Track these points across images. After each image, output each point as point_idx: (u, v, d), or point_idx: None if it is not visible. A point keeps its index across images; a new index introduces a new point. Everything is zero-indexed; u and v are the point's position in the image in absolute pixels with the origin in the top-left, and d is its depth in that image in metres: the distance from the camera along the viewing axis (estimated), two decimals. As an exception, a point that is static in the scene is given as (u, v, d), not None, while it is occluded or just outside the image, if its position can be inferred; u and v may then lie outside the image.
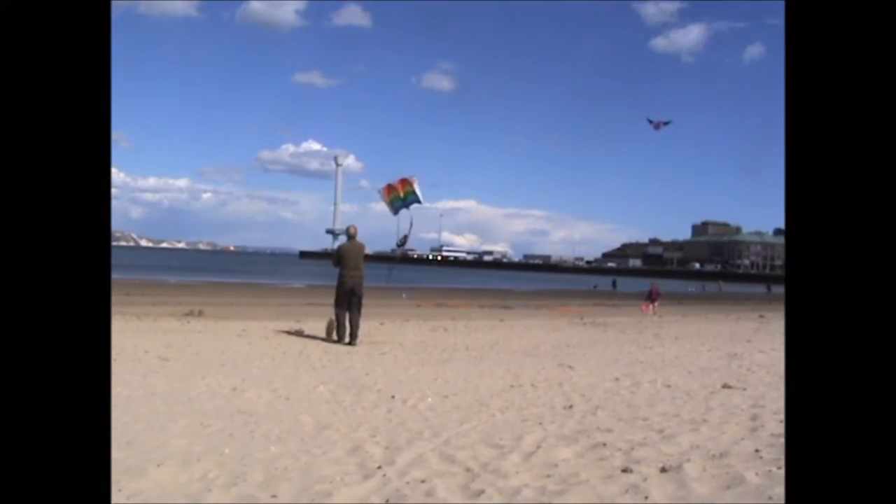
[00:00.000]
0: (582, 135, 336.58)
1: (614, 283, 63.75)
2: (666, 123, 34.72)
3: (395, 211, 14.16)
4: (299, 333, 12.65)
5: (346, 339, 11.52)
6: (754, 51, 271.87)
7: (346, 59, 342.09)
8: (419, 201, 14.11)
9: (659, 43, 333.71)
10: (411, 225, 14.41)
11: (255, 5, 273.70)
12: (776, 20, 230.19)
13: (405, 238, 15.09)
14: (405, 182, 14.13)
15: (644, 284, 23.82)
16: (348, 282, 11.68)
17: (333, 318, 11.91)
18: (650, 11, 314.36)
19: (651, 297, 21.88)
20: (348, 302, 11.67)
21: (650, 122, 34.35)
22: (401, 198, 14.02)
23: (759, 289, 72.78)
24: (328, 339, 11.85)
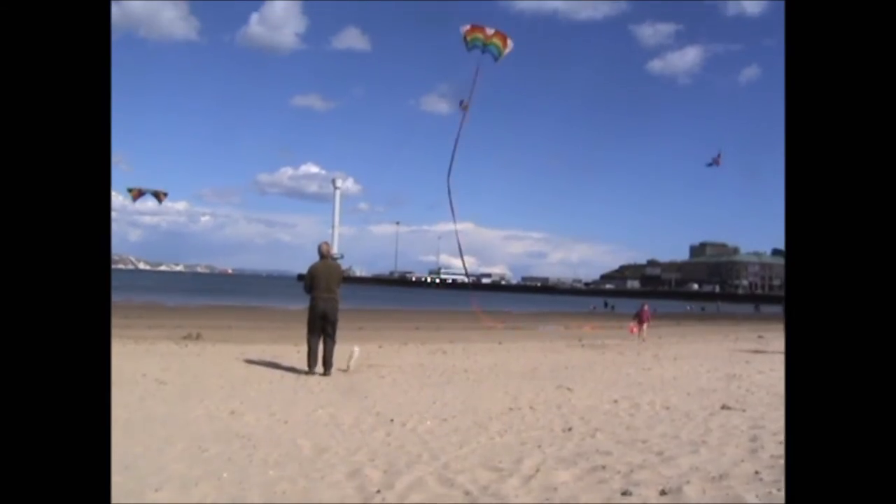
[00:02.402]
0: (580, 156, 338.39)
1: (606, 304, 63.75)
2: (719, 156, 34.99)
3: (469, 48, 13.78)
4: (297, 356, 12.58)
5: (318, 369, 10.50)
6: (750, 72, 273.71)
7: (345, 82, 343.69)
8: (495, 59, 13.75)
9: (656, 65, 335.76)
10: (475, 77, 13.99)
11: (255, 29, 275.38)
12: (772, 42, 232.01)
13: (463, 103, 14.66)
14: (498, 34, 13.77)
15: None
16: (320, 305, 10.55)
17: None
18: (647, 33, 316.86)
19: (640, 318, 21.53)
20: (321, 328, 10.63)
21: (710, 164, 34.54)
22: (482, 41, 13.64)
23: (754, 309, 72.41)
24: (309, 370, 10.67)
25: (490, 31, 13.85)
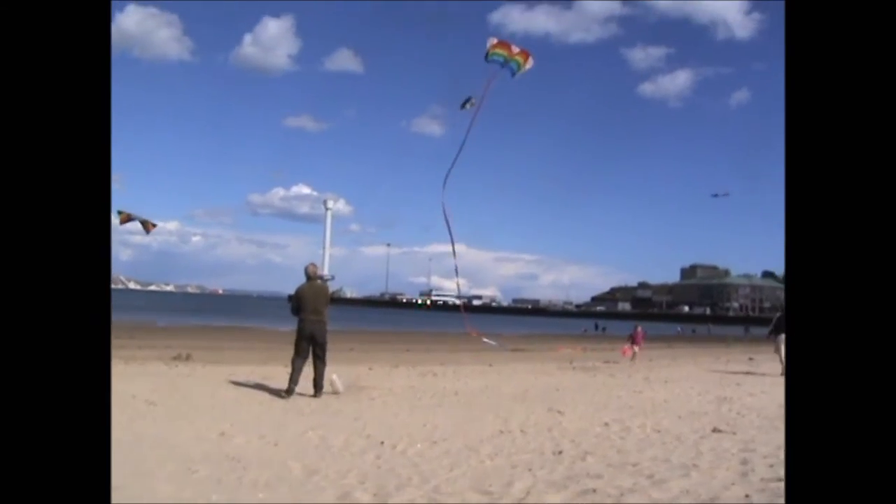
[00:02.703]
0: (571, 178, 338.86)
1: (596, 326, 63.82)
2: (726, 194, 35.70)
3: (488, 60, 13.90)
4: (288, 378, 12.50)
5: (293, 394, 10.24)
6: (741, 96, 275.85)
7: (338, 103, 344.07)
8: (513, 74, 13.87)
9: (647, 88, 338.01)
10: (487, 86, 14.06)
11: (248, 49, 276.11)
12: (762, 65, 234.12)
13: (469, 102, 14.66)
14: (524, 52, 13.91)
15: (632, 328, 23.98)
16: (307, 327, 10.45)
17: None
18: (638, 57, 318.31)
19: (633, 340, 21.60)
20: (309, 350, 10.51)
21: (715, 195, 35.14)
22: (503, 56, 13.76)
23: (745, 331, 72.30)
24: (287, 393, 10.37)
25: (515, 49, 14.06)
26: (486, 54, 14.04)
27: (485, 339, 19.30)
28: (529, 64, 14.07)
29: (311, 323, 10.47)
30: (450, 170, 15.56)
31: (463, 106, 15.06)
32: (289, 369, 10.53)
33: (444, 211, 15.02)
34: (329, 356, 10.75)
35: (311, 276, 10.76)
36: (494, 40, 14.18)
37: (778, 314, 18.30)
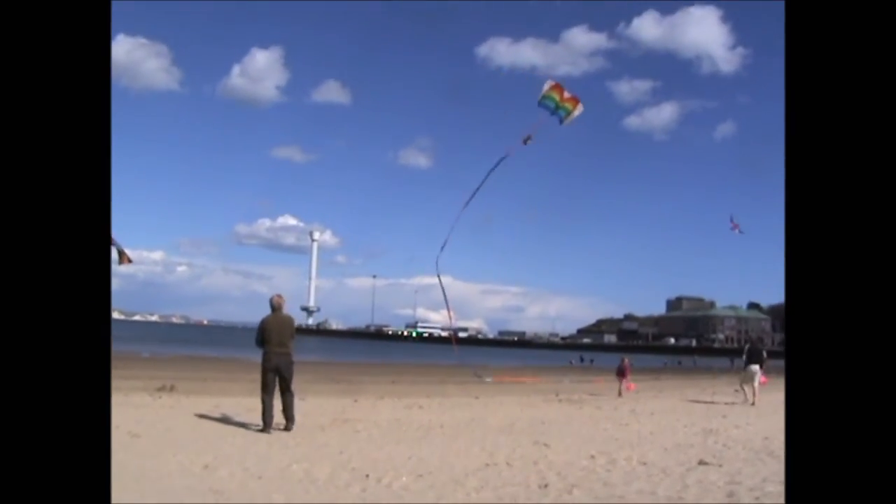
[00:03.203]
0: (557, 211, 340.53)
1: (582, 359, 63.94)
2: (741, 231, 36.02)
3: (541, 103, 14.32)
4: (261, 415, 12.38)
5: (271, 428, 9.99)
6: (725, 128, 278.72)
7: (325, 134, 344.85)
8: (561, 121, 14.29)
9: (633, 121, 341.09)
10: (535, 129, 14.53)
11: (236, 80, 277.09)
12: (746, 99, 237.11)
13: (528, 138, 15.13)
14: (573, 99, 14.27)
15: (618, 361, 23.99)
16: (273, 360, 10.18)
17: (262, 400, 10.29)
18: (623, 90, 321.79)
19: (623, 373, 21.76)
20: (276, 384, 10.23)
21: (732, 221, 35.44)
22: (555, 101, 14.13)
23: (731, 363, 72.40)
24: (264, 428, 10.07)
25: (567, 95, 14.58)
26: (541, 97, 14.60)
27: (480, 375, 19.54)
28: (578, 110, 14.67)
29: (277, 355, 10.24)
30: (451, 230, 16.26)
31: (525, 142, 15.82)
32: (273, 401, 10.29)
33: (438, 277, 15.60)
34: (314, 388, 10.62)
35: (277, 308, 10.51)
36: (551, 83, 14.73)
37: (747, 346, 19.15)
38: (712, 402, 17.96)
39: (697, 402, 18.24)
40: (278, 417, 10.15)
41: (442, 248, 18.25)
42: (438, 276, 16.18)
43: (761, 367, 17.49)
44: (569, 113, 14.65)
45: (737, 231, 35.37)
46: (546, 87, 14.69)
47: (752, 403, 16.60)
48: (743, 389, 17.69)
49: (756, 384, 17.16)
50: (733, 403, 17.37)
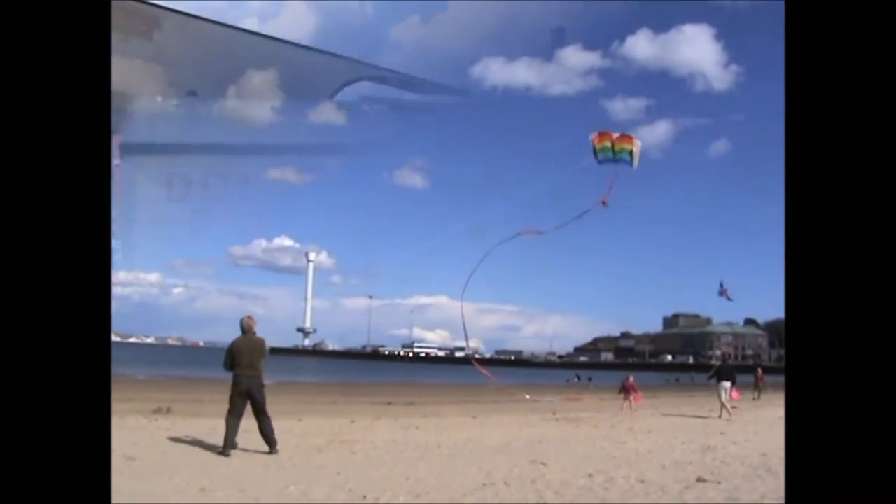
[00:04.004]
0: (552, 228, 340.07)
1: (578, 377, 63.95)
2: (729, 298, 36.36)
3: (600, 160, 14.04)
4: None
5: (230, 449, 9.74)
6: (719, 146, 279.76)
7: (321, 155, 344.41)
8: (631, 164, 14.00)
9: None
10: (613, 183, 14.32)
11: (232, 102, 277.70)
12: (739, 116, 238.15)
13: (606, 198, 14.93)
14: (624, 138, 13.99)
15: (616, 378, 23.71)
16: (243, 382, 9.90)
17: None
18: (618, 108, 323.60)
19: (626, 389, 21.75)
20: (246, 407, 9.96)
21: (721, 287, 35.70)
22: (612, 150, 13.86)
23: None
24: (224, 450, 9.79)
25: (616, 135, 14.39)
26: (595, 153, 14.37)
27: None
28: (637, 146, 14.42)
29: (247, 378, 9.98)
30: (469, 277, 16.36)
31: (604, 203, 15.71)
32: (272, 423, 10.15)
33: (461, 313, 15.73)
34: (315, 408, 10.52)
35: (247, 330, 10.27)
36: (595, 135, 14.52)
37: (718, 364, 21.57)
38: (710, 419, 17.99)
39: (695, 418, 18.25)
40: (254, 442, 9.94)
41: (463, 291, 18.40)
42: (462, 314, 16.19)
43: (732, 383, 19.23)
44: (632, 154, 14.40)
45: (725, 297, 35.59)
46: (592, 139, 14.43)
47: (719, 416, 18.24)
48: (720, 401, 18.96)
49: (724, 399, 18.74)
50: (731, 421, 17.40)
